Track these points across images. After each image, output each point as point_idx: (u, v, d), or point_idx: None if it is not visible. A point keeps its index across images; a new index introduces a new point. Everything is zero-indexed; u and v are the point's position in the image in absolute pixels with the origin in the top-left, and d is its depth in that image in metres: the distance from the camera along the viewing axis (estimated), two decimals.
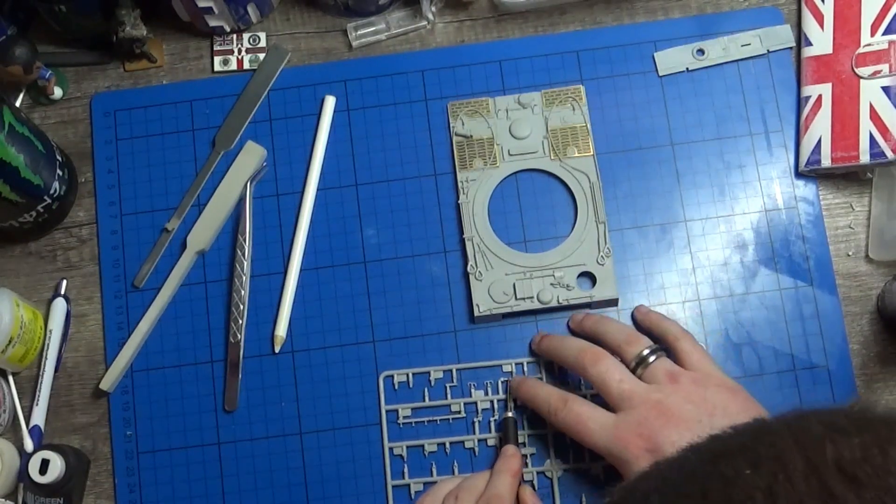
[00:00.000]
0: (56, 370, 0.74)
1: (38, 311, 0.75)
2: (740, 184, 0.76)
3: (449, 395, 0.72)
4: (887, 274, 0.74)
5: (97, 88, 0.80)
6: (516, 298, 0.73)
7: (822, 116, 0.74)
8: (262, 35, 0.80)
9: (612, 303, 0.73)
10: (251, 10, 0.78)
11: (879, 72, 0.73)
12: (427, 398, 0.72)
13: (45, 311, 0.75)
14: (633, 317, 0.73)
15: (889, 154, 0.71)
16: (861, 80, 0.74)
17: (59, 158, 0.75)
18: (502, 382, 0.72)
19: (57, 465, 0.68)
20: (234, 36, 0.80)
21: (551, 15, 0.80)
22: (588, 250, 0.73)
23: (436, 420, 0.72)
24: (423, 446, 0.71)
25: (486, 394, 0.72)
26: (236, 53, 0.80)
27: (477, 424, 0.71)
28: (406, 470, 0.71)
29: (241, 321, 0.74)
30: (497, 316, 0.73)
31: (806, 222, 0.75)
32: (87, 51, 0.80)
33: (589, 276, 0.73)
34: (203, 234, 0.75)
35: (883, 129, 0.72)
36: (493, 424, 0.71)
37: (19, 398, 0.73)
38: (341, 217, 0.76)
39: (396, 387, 0.72)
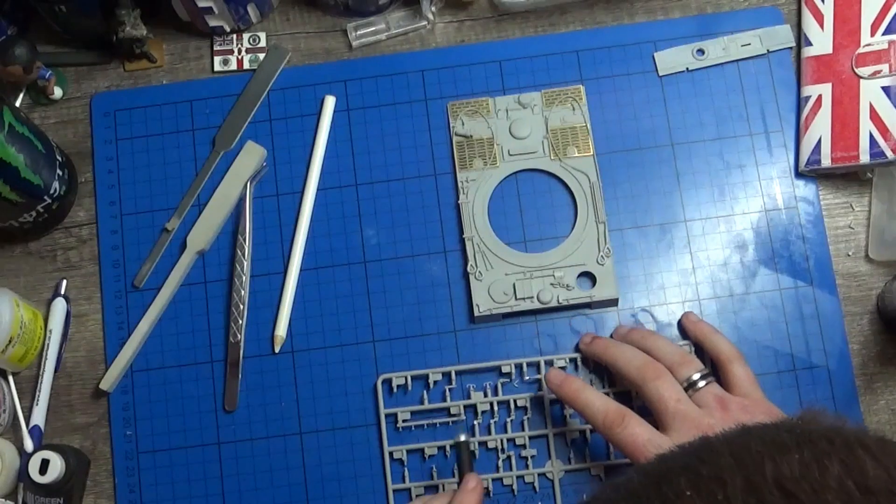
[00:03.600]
0: (56, 370, 0.74)
1: (38, 311, 0.75)
2: (740, 184, 0.76)
3: (448, 398, 0.72)
4: (887, 274, 0.74)
5: (97, 88, 0.80)
6: (516, 298, 0.72)
7: (822, 116, 0.74)
8: (262, 35, 0.80)
9: (612, 303, 0.73)
10: (251, 10, 0.78)
11: (879, 72, 0.73)
12: (426, 401, 0.72)
13: (45, 311, 0.75)
14: (679, 324, 0.72)
15: (889, 154, 0.71)
16: (861, 80, 0.74)
17: (59, 158, 0.75)
18: (502, 384, 0.72)
19: (57, 465, 0.68)
20: (234, 36, 0.80)
21: (551, 15, 0.80)
22: (588, 250, 0.73)
23: (435, 423, 0.72)
24: (422, 450, 0.71)
25: (486, 395, 0.72)
26: (236, 53, 0.80)
27: (477, 427, 0.71)
28: (406, 474, 0.71)
29: (241, 321, 0.74)
30: (497, 316, 0.73)
31: (806, 222, 0.75)
32: (87, 51, 0.80)
33: (589, 276, 0.73)
34: (203, 234, 0.75)
35: (883, 129, 0.72)
36: (493, 426, 0.71)
37: (19, 398, 0.73)
38: (341, 217, 0.76)
39: (395, 390, 0.72)
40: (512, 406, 0.71)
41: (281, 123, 0.78)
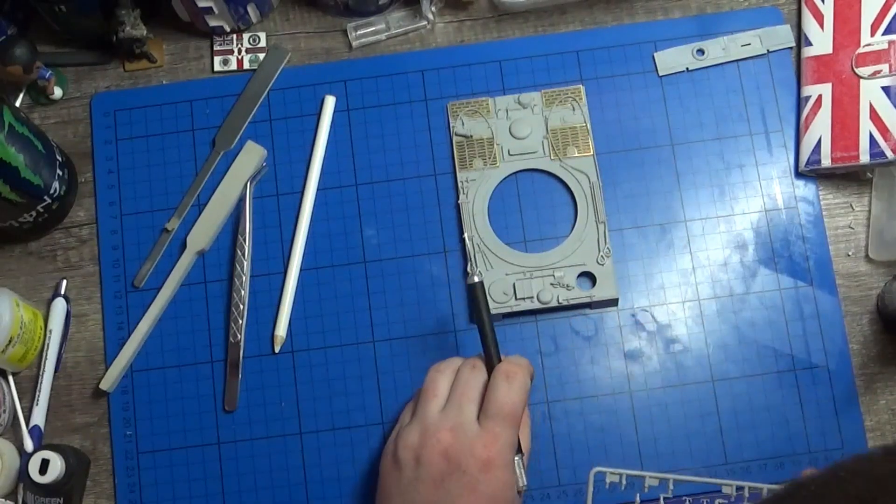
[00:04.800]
0: (56, 370, 0.74)
1: (38, 311, 0.75)
2: (740, 184, 0.76)
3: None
4: (887, 274, 0.74)
5: (97, 88, 0.80)
6: (516, 298, 0.73)
7: (822, 116, 0.74)
8: (262, 35, 0.80)
9: (612, 303, 0.73)
10: (251, 10, 0.78)
11: (879, 72, 0.73)
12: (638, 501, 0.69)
13: (45, 311, 0.75)
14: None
15: (889, 154, 0.71)
16: (861, 80, 0.74)
17: (59, 158, 0.75)
18: None
19: (57, 465, 0.68)
20: (234, 36, 0.80)
21: (551, 15, 0.80)
22: (588, 250, 0.73)
23: None
24: None
25: None
26: (236, 53, 0.80)
27: None
28: None
29: (241, 321, 0.74)
30: (497, 316, 0.73)
31: (806, 222, 0.75)
32: (87, 51, 0.80)
33: (589, 276, 0.73)
34: (203, 234, 0.75)
35: (883, 129, 0.72)
36: None
37: (19, 398, 0.73)
38: (341, 217, 0.76)
39: (608, 486, 0.68)
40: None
41: (281, 123, 0.78)
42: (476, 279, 0.64)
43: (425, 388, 0.64)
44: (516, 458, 0.61)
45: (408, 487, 0.60)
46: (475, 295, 0.64)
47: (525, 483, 0.62)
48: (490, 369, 0.63)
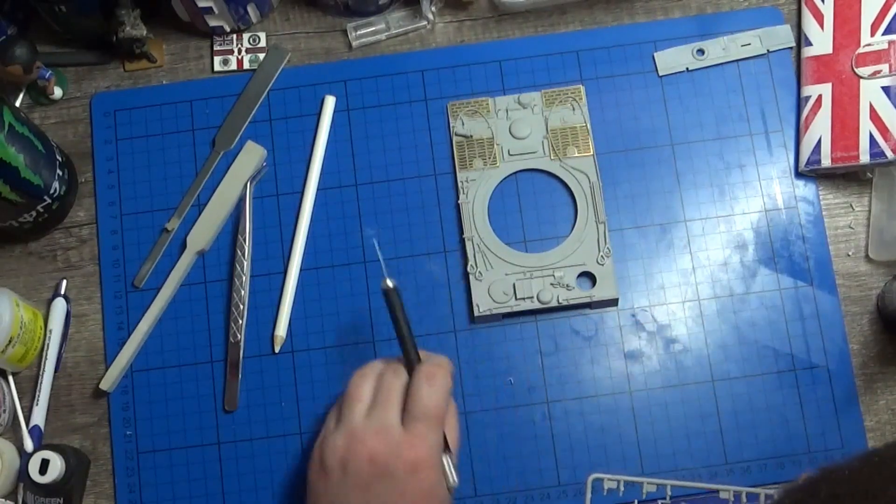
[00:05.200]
0: (56, 370, 0.74)
1: (38, 311, 0.75)
2: (740, 184, 0.76)
3: None
4: (887, 274, 0.74)
5: (97, 88, 0.80)
6: (516, 298, 0.73)
7: (822, 116, 0.74)
8: (262, 35, 0.80)
9: (612, 303, 0.73)
10: (251, 10, 0.78)
11: (879, 72, 0.73)
12: None
13: (45, 311, 0.75)
14: None
15: (889, 154, 0.71)
16: (861, 80, 0.74)
17: (59, 158, 0.75)
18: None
19: (57, 465, 0.68)
20: (234, 36, 0.80)
21: (551, 15, 0.80)
22: (588, 250, 0.73)
23: None
24: None
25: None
26: (236, 53, 0.80)
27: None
28: None
29: (241, 321, 0.74)
30: (497, 316, 0.73)
31: (806, 222, 0.75)
32: (87, 51, 0.80)
33: (589, 276, 0.73)
34: (203, 234, 0.75)
35: (883, 129, 0.72)
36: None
37: (19, 398, 0.73)
38: (341, 217, 0.76)
39: (605, 492, 0.69)
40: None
41: (281, 123, 0.78)
42: (390, 284, 0.64)
43: (349, 393, 0.63)
44: (444, 457, 0.61)
45: (336, 494, 0.59)
46: (389, 300, 0.63)
47: (456, 481, 0.61)
48: (410, 371, 0.63)
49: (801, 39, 0.77)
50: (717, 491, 0.68)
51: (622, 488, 0.68)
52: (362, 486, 0.59)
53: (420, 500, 0.59)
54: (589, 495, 0.67)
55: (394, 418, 0.60)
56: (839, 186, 0.76)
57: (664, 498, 0.68)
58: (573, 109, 0.77)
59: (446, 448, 0.62)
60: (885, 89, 0.73)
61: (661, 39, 0.79)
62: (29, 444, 0.71)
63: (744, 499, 0.68)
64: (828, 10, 0.76)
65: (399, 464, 0.58)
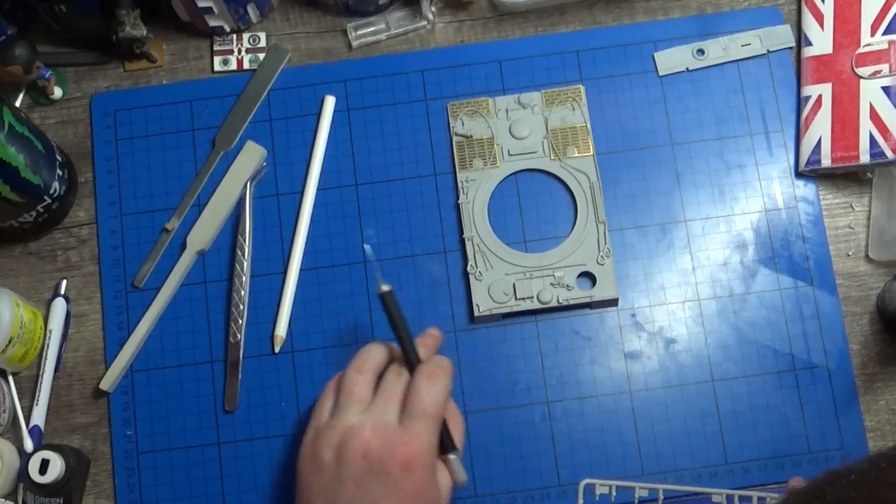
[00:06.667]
0: (56, 370, 0.74)
1: (38, 311, 0.75)
2: (740, 184, 0.76)
3: None
4: (887, 274, 0.74)
5: (97, 88, 0.80)
6: (516, 298, 0.73)
7: (822, 116, 0.74)
8: (262, 35, 0.80)
9: (612, 303, 0.73)
10: (251, 10, 0.78)
11: (879, 72, 0.73)
12: None
13: (45, 311, 0.75)
14: None
15: (889, 154, 0.71)
16: (861, 80, 0.74)
17: (59, 158, 0.75)
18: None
19: (57, 465, 0.68)
20: (234, 36, 0.80)
21: (551, 15, 0.80)
22: (588, 250, 0.73)
23: None
24: None
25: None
26: (236, 53, 0.80)
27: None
28: None
29: (241, 321, 0.74)
30: (497, 316, 0.73)
31: (806, 222, 0.75)
32: (87, 51, 0.80)
33: (589, 276, 0.73)
34: (203, 234, 0.75)
35: (883, 129, 0.72)
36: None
37: (19, 398, 0.73)
38: (341, 217, 0.76)
39: (597, 498, 0.69)
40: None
41: (281, 123, 0.78)
42: (385, 288, 0.64)
43: (347, 389, 0.62)
44: (452, 455, 0.61)
45: (329, 488, 0.59)
46: (386, 304, 0.64)
47: (465, 478, 0.62)
48: (411, 371, 0.63)
49: (801, 39, 0.77)
50: (710, 494, 0.68)
51: (614, 493, 0.68)
52: (356, 482, 0.58)
53: (412, 498, 0.58)
54: (581, 501, 0.68)
55: (392, 415, 0.60)
56: (839, 186, 0.76)
57: (656, 501, 0.68)
58: (573, 109, 0.77)
59: (453, 447, 0.62)
60: (885, 89, 0.73)
61: (661, 39, 0.79)
62: (29, 444, 0.71)
63: (736, 502, 0.68)
64: (828, 10, 0.76)
65: (393, 461, 0.58)
